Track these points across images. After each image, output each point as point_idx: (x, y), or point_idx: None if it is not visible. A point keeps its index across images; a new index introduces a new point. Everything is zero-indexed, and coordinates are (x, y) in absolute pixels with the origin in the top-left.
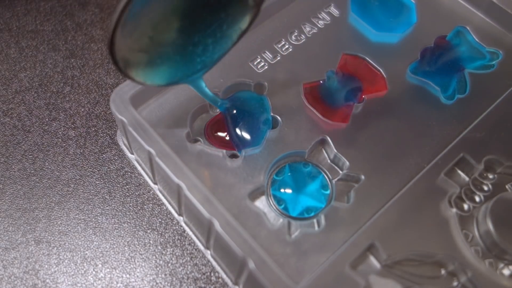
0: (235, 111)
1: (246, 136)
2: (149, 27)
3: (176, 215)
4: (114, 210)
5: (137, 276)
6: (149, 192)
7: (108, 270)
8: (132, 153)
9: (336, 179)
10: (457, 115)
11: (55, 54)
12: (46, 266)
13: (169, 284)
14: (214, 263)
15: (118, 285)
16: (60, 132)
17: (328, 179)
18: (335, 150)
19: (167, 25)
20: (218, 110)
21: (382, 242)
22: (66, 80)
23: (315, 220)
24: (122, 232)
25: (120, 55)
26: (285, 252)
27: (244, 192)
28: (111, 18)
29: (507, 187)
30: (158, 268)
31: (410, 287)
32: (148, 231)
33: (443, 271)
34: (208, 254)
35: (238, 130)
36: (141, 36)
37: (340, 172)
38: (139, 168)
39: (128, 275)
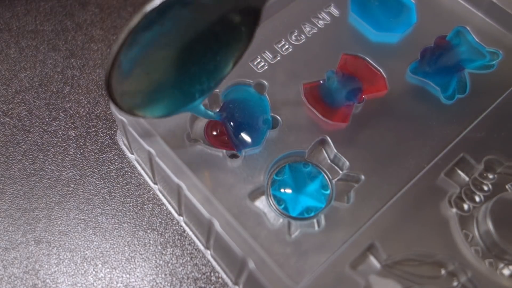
0: (234, 114)
1: (246, 137)
2: (144, 67)
3: (176, 215)
4: (114, 210)
5: (137, 276)
6: (149, 192)
7: (108, 270)
8: (132, 153)
9: (336, 179)
10: (457, 115)
11: (55, 54)
12: (46, 266)
13: (169, 284)
14: (214, 263)
15: (118, 285)
16: (60, 132)
17: (328, 179)
18: (335, 150)
19: (163, 63)
20: (217, 110)
21: (382, 242)
22: (66, 80)
23: (315, 220)
24: (122, 232)
25: (118, 94)
26: (285, 252)
27: (244, 192)
28: (107, 60)
29: (507, 187)
30: (158, 268)
31: (410, 287)
32: (148, 231)
33: (443, 271)
34: (208, 254)
35: (237, 132)
36: (138, 76)
37: (340, 172)
38: (139, 168)
39: (128, 275)
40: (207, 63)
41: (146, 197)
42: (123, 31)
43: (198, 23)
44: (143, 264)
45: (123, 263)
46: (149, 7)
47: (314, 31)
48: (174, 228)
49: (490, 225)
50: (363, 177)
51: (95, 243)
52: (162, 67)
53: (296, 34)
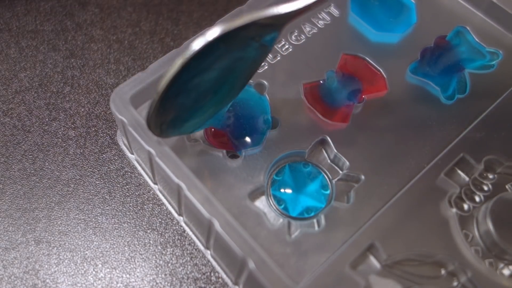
0: (234, 114)
1: (246, 137)
2: (185, 98)
3: (176, 215)
4: (114, 210)
5: (137, 276)
6: (149, 192)
7: (108, 270)
8: (132, 153)
9: (336, 179)
10: (457, 115)
11: (55, 54)
12: (46, 266)
13: (169, 284)
14: (214, 263)
15: (118, 285)
16: (60, 132)
17: (328, 179)
18: (335, 150)
19: (201, 91)
20: None
21: (382, 242)
22: (66, 80)
23: (315, 220)
24: (122, 232)
25: (157, 125)
26: (285, 252)
27: (244, 192)
28: (152, 100)
29: (507, 187)
30: (158, 268)
31: (410, 287)
32: (148, 231)
33: (443, 271)
34: (208, 254)
35: (237, 132)
36: (177, 107)
37: (340, 172)
38: (139, 168)
39: (128, 275)
40: (234, 81)
41: (146, 197)
42: (166, 75)
43: (232, 52)
44: (143, 264)
45: (123, 263)
46: (190, 51)
47: (314, 31)
48: (174, 228)
49: (490, 225)
50: (363, 177)
51: (95, 243)
52: (200, 95)
53: (296, 34)
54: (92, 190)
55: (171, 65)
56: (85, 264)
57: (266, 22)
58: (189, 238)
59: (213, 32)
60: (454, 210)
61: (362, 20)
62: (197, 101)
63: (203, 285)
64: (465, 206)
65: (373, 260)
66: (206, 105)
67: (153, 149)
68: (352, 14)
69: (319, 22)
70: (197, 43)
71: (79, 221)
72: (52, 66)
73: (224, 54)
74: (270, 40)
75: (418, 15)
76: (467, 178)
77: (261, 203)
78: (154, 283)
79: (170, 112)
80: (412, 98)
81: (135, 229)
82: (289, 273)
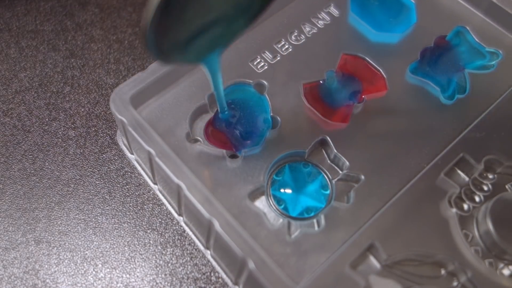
0: (234, 114)
1: (246, 137)
2: (189, 19)
3: (176, 215)
4: (114, 210)
5: (137, 276)
6: (149, 192)
7: (108, 270)
8: (132, 153)
9: (336, 179)
10: (457, 115)
11: (55, 54)
12: (46, 266)
13: (169, 284)
14: (214, 263)
15: (118, 285)
16: (60, 132)
17: (328, 179)
18: (335, 150)
19: (210, 17)
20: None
21: (382, 242)
22: (66, 80)
23: (315, 220)
24: (122, 232)
25: (156, 43)
26: (285, 252)
27: (244, 192)
28: (148, 8)
29: (507, 187)
30: (158, 268)
31: (410, 287)
32: (148, 231)
33: (443, 271)
34: (208, 254)
35: (237, 131)
36: (179, 28)
37: (340, 172)
38: (139, 168)
39: (128, 275)
40: (248, 6)
41: (146, 197)
42: None
43: None
44: (143, 264)
45: (123, 263)
46: None
47: (314, 31)
48: (174, 228)
49: (490, 225)
50: (363, 177)
51: (95, 243)
52: (209, 15)
53: (296, 34)
54: (92, 190)
55: None
56: (85, 264)
57: None
58: (189, 238)
59: None
60: (454, 210)
61: (362, 20)
62: (206, 20)
63: (203, 285)
64: (465, 206)
65: (373, 260)
66: (215, 28)
67: (153, 149)
68: (352, 14)
69: (319, 22)
70: None
71: (79, 221)
72: (52, 66)
73: None
74: None
75: (418, 15)
76: (467, 178)
77: (261, 203)
78: (154, 283)
79: (172, 30)
80: (412, 98)
81: (135, 229)
82: (289, 273)
